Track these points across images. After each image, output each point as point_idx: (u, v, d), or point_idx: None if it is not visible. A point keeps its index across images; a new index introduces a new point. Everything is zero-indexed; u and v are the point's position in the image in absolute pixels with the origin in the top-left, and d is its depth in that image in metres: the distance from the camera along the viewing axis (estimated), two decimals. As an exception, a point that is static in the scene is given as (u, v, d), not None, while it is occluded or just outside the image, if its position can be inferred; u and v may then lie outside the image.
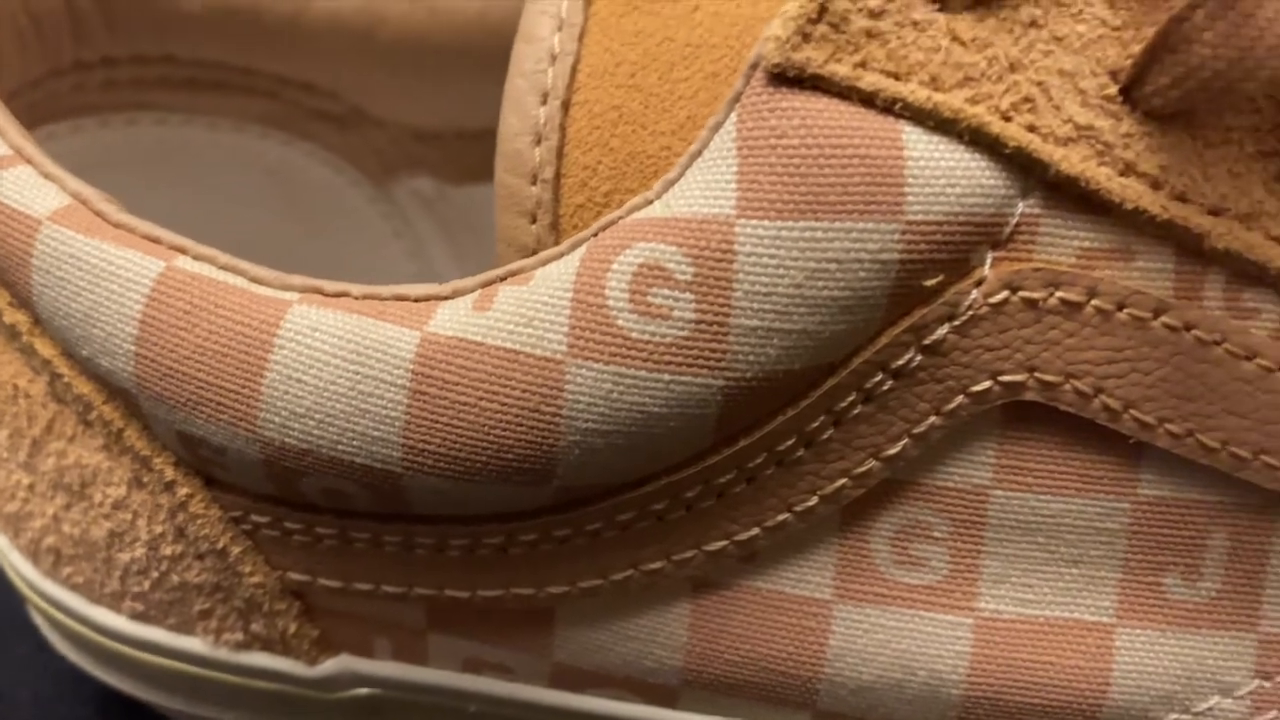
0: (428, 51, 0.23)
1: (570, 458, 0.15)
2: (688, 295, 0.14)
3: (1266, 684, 0.17)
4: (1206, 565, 0.16)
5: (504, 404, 0.15)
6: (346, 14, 0.22)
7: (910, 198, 0.14)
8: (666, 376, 0.15)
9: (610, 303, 0.15)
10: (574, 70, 0.17)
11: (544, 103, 0.17)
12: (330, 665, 0.18)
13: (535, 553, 0.16)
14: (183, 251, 0.16)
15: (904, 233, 0.14)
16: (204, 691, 0.19)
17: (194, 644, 0.18)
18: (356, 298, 0.16)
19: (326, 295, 0.16)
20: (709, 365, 0.15)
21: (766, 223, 0.14)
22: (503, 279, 0.15)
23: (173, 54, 0.22)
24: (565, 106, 0.17)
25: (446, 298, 0.15)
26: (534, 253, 0.16)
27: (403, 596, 0.17)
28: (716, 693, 0.17)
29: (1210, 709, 0.17)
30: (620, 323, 0.15)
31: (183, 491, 0.17)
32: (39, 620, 0.21)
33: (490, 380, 0.15)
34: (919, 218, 0.14)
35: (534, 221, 0.17)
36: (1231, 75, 0.14)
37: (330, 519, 0.17)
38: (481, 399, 0.15)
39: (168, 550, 0.17)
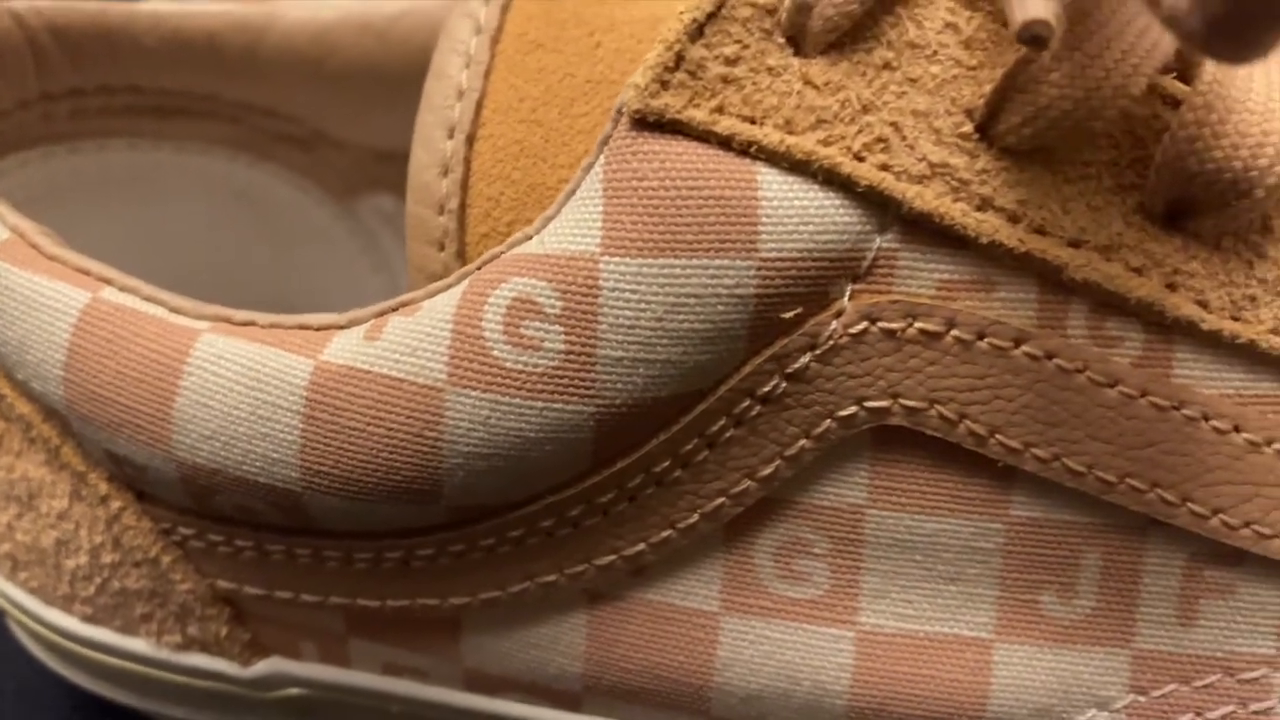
0: (378, 78, 0.24)
1: (455, 480, 0.16)
2: (557, 328, 0.15)
3: (1141, 698, 0.17)
4: (1081, 584, 0.17)
5: (390, 429, 0.16)
6: (299, 44, 0.23)
7: (764, 236, 0.15)
8: (540, 404, 0.15)
9: (486, 334, 0.15)
10: (479, 106, 0.18)
11: (450, 137, 0.18)
12: (262, 666, 0.19)
13: (435, 566, 0.17)
14: (109, 283, 0.17)
15: (759, 269, 0.15)
16: (151, 689, 0.20)
17: (138, 645, 0.20)
18: (262, 326, 0.17)
19: (235, 324, 0.17)
20: (579, 393, 0.15)
21: (629, 259, 0.15)
22: (394, 309, 0.16)
23: (137, 84, 0.23)
24: (470, 141, 0.18)
25: (343, 327, 0.16)
26: (442, 279, 0.17)
27: (320, 605, 0.18)
28: (617, 699, 0.18)
29: (1087, 722, 0.17)
30: (496, 353, 0.15)
31: (116, 505, 0.18)
32: (9, 619, 0.22)
33: (377, 407, 0.16)
34: (773, 255, 0.15)
35: (442, 249, 0.18)
36: (1079, 114, 0.15)
37: (247, 532, 0.18)
38: (369, 424, 0.16)
39: (107, 558, 0.19)
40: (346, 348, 0.16)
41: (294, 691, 0.20)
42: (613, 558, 0.17)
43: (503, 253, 0.16)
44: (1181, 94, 0.15)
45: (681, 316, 0.15)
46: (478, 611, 0.18)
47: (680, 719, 0.18)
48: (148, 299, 0.17)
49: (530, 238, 0.16)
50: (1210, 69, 0.15)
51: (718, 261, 0.15)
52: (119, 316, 0.17)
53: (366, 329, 0.16)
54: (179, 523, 0.18)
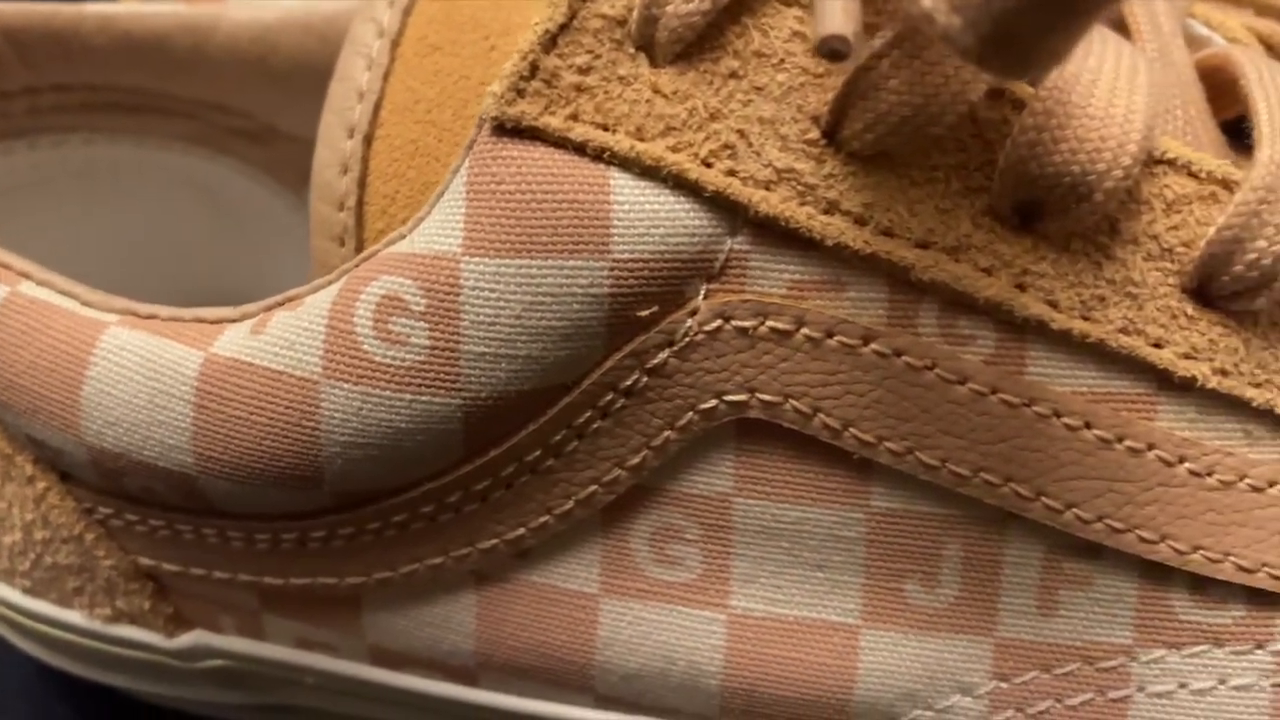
0: (320, 75, 0.24)
1: (335, 467, 0.17)
2: (422, 324, 0.16)
3: (1004, 685, 0.18)
4: (943, 573, 0.17)
5: (271, 419, 0.17)
6: (243, 44, 0.24)
7: (616, 238, 0.16)
8: (408, 396, 0.16)
9: (358, 329, 0.16)
10: (377, 107, 0.19)
11: (350, 137, 0.19)
12: (186, 639, 0.21)
13: (329, 548, 0.18)
14: (27, 277, 0.18)
15: (612, 269, 0.16)
16: (91, 658, 0.21)
17: (74, 617, 0.21)
18: (163, 319, 0.18)
19: (139, 317, 0.18)
20: (445, 387, 0.16)
21: (488, 260, 0.16)
22: (281, 304, 0.17)
23: (91, 82, 0.24)
24: (368, 140, 0.19)
25: (235, 320, 0.17)
26: (343, 274, 0.18)
27: (231, 582, 0.19)
28: (509, 675, 0.19)
29: (951, 707, 0.18)
30: (366, 347, 0.16)
31: (41, 485, 0.19)
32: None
33: (259, 397, 0.17)
34: (625, 256, 0.16)
35: (342, 245, 0.19)
36: (919, 120, 0.15)
37: (159, 513, 0.19)
38: (253, 414, 0.17)
39: (38, 535, 0.20)
40: (234, 340, 0.17)
41: (218, 663, 0.21)
42: (495, 541, 0.18)
43: (378, 251, 0.17)
44: (1027, 99, 0.16)
45: (539, 314, 0.16)
46: (374, 591, 0.19)
47: (568, 695, 0.19)
48: (62, 293, 0.18)
49: (404, 237, 0.16)
50: (1054, 75, 0.16)
51: (572, 262, 0.16)
52: (34, 309, 0.18)
53: (254, 323, 0.17)
54: (99, 503, 0.19)
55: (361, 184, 0.18)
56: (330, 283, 0.17)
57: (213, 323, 0.17)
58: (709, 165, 0.16)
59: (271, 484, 0.17)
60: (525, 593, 0.18)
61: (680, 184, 0.16)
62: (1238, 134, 0.18)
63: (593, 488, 0.17)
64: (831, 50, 0.12)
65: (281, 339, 0.17)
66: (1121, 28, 0.19)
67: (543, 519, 0.18)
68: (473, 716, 0.20)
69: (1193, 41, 0.20)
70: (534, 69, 0.16)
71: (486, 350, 0.16)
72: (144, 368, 0.17)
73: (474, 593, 0.18)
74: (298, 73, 0.25)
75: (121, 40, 0.23)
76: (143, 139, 0.25)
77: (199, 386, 0.17)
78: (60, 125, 0.24)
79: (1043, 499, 0.17)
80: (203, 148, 0.26)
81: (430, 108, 0.18)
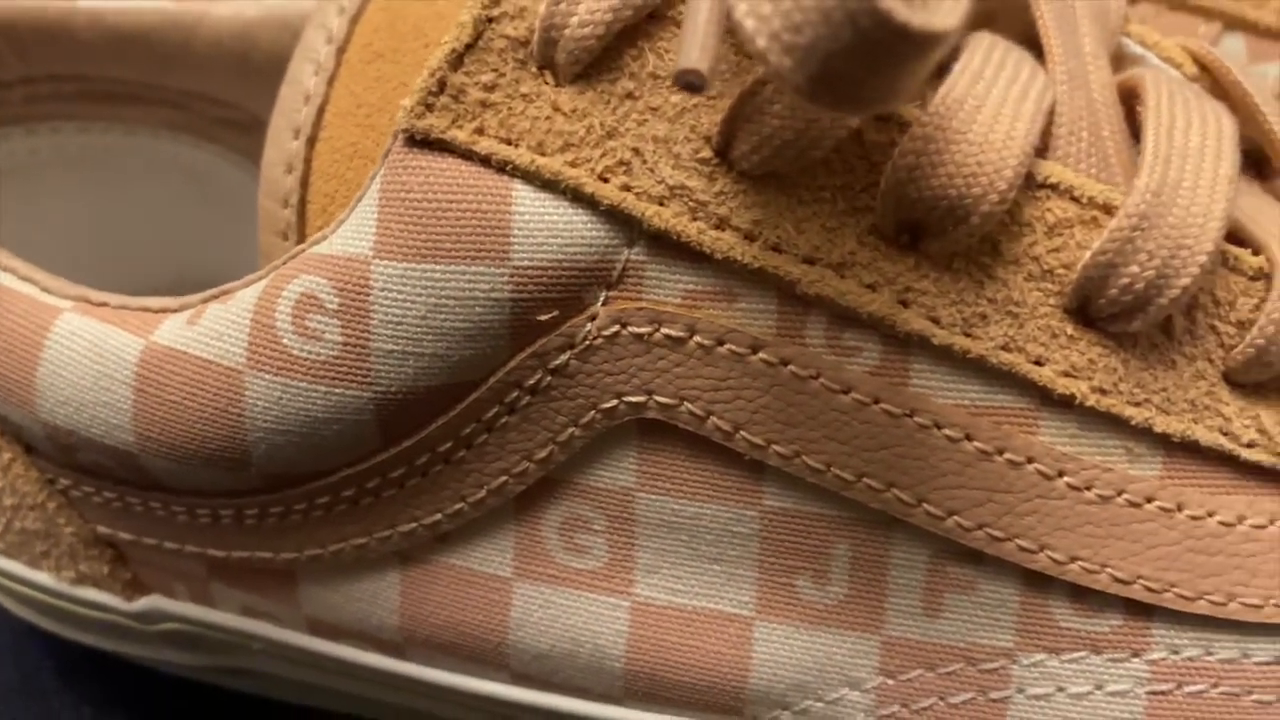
0: (298, 71, 0.26)
1: (259, 451, 0.18)
2: (335, 321, 0.17)
3: (890, 681, 0.18)
4: (833, 571, 0.18)
5: (201, 404, 0.18)
6: (226, 39, 0.25)
7: (516, 246, 0.17)
8: (323, 388, 0.17)
9: (278, 324, 0.17)
10: (321, 111, 0.20)
11: (296, 138, 0.20)
12: (143, 603, 0.22)
13: (263, 525, 0.19)
14: (-7, 263, 0.20)
15: (512, 275, 0.17)
16: (62, 617, 0.23)
17: (43, 578, 0.22)
18: (113, 307, 0.19)
19: (91, 304, 0.19)
20: (357, 381, 0.17)
21: (396, 263, 0.17)
22: (216, 297, 0.18)
23: (83, 73, 0.25)
24: (311, 142, 0.20)
25: (175, 311, 0.19)
26: (286, 268, 0.19)
27: (180, 552, 0.21)
28: (433, 650, 0.20)
29: (840, 699, 0.19)
30: (285, 341, 0.17)
31: (7, 456, 0.21)
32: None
33: (191, 384, 0.18)
34: (524, 263, 0.17)
35: (286, 239, 0.20)
36: (801, 143, 0.16)
37: (110, 485, 0.20)
38: (185, 399, 0.18)
39: (8, 501, 0.21)
40: (172, 330, 0.18)
41: (173, 626, 0.22)
42: (414, 525, 0.19)
43: (303, 250, 0.18)
44: (911, 123, 0.16)
45: (444, 315, 0.17)
46: (307, 566, 0.20)
47: (487, 672, 0.20)
48: (23, 278, 0.20)
49: (325, 239, 0.18)
50: (937, 101, 0.16)
51: (474, 268, 0.17)
52: (-3, 293, 0.19)
53: (191, 314, 0.18)
54: (59, 474, 0.20)
55: (304, 183, 0.20)
56: (260, 279, 0.18)
57: (156, 312, 0.19)
58: (605, 180, 0.16)
59: (204, 464, 0.18)
60: (444, 574, 0.19)
61: (578, 197, 0.17)
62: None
63: (503, 478, 0.18)
64: (687, 83, 0.13)
65: (212, 330, 0.18)
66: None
67: (458, 506, 0.19)
68: (402, 687, 0.21)
69: (1126, 61, 0.21)
70: (442, 85, 0.16)
71: (395, 348, 0.17)
72: (91, 352, 0.19)
73: (398, 572, 0.20)
74: (277, 68, 0.26)
75: (110, 34, 0.25)
76: (134, 127, 0.27)
77: (138, 372, 0.18)
78: (56, 113, 0.26)
79: (924, 505, 0.17)
80: (191, 136, 0.27)
81: (370, 112, 0.19)
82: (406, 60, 0.19)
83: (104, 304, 0.19)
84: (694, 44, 0.13)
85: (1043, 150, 0.18)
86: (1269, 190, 0.20)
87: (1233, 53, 0.28)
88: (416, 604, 0.20)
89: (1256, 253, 0.18)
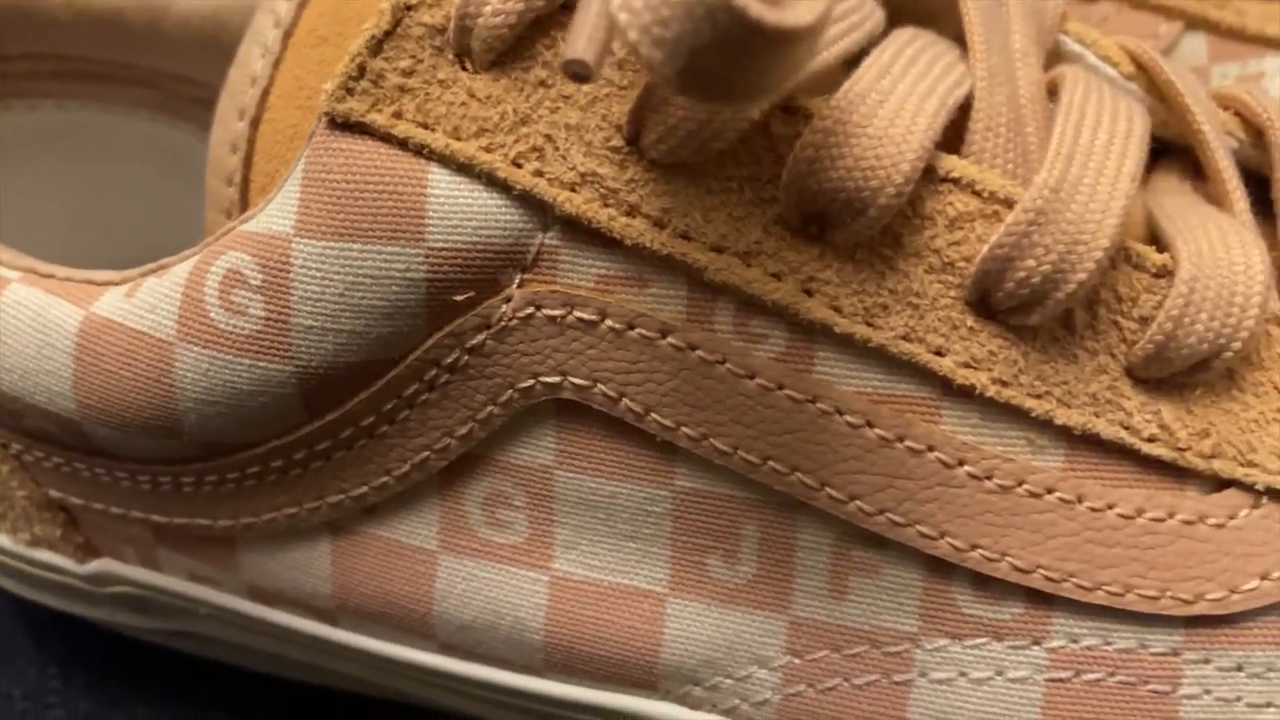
0: (267, 53, 0.26)
1: (190, 420, 0.19)
2: (259, 297, 0.18)
3: (796, 661, 0.19)
4: (743, 552, 0.19)
5: (134, 374, 0.19)
6: (195, 21, 0.26)
7: (431, 228, 0.17)
8: (247, 361, 0.18)
9: (206, 298, 0.18)
10: (266, 93, 0.20)
11: (241, 119, 0.20)
12: (95, 565, 0.23)
13: (200, 492, 0.20)
14: (-52, 233, 0.21)
15: (427, 256, 0.17)
16: (19, 577, 0.24)
17: (2, 540, 0.23)
18: (59, 279, 0.20)
19: (39, 275, 0.20)
20: (279, 355, 0.18)
21: (315, 242, 0.17)
22: (153, 272, 0.19)
23: (58, 52, 0.26)
24: (255, 123, 0.20)
25: (116, 284, 0.19)
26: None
27: (125, 517, 0.21)
28: (363, 619, 0.21)
29: (748, 677, 0.19)
30: (212, 315, 0.18)
31: (-38, 420, 0.22)
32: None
33: (125, 354, 0.19)
34: (440, 244, 0.17)
35: (230, 217, 0.20)
36: (704, 134, 0.16)
37: (58, 451, 0.21)
38: (120, 368, 0.19)
39: (-36, 464, 0.22)
40: (111, 302, 0.19)
41: (123, 589, 0.23)
42: (342, 497, 0.20)
43: (235, 227, 0.18)
44: (814, 116, 0.17)
45: (361, 293, 0.17)
46: (244, 533, 0.21)
47: (415, 641, 0.21)
48: (-23, 250, 0.20)
49: (253, 217, 0.18)
50: (840, 95, 0.17)
51: (390, 248, 0.17)
52: (-49, 263, 0.20)
53: (129, 287, 0.19)
54: (11, 439, 0.21)
55: (247, 163, 0.20)
56: (194, 254, 0.19)
57: (99, 284, 0.19)
58: (519, 165, 0.17)
59: (140, 432, 0.19)
60: (372, 545, 0.20)
61: (492, 181, 0.17)
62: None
63: (425, 454, 0.19)
64: (573, 73, 0.14)
65: (146, 303, 0.19)
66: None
67: (383, 480, 0.19)
68: (337, 653, 0.22)
69: (1064, 59, 0.21)
70: (362, 70, 0.17)
71: (314, 324, 0.18)
72: (35, 321, 0.19)
73: (329, 542, 0.20)
74: (246, 49, 0.26)
75: (83, 15, 0.25)
76: (109, 105, 0.27)
77: (78, 341, 0.19)
78: (33, 91, 0.27)
79: (827, 489, 0.18)
80: (166, 115, 0.28)
81: (311, 95, 0.20)
82: (348, 45, 0.20)
83: (50, 275, 0.20)
84: (581, 34, 0.14)
85: (956, 145, 0.18)
86: (1201, 190, 0.20)
87: (1193, 52, 0.28)
88: (347, 573, 0.20)
89: (1163, 250, 0.18)
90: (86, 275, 0.20)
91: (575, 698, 0.20)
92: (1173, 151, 0.21)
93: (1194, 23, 0.28)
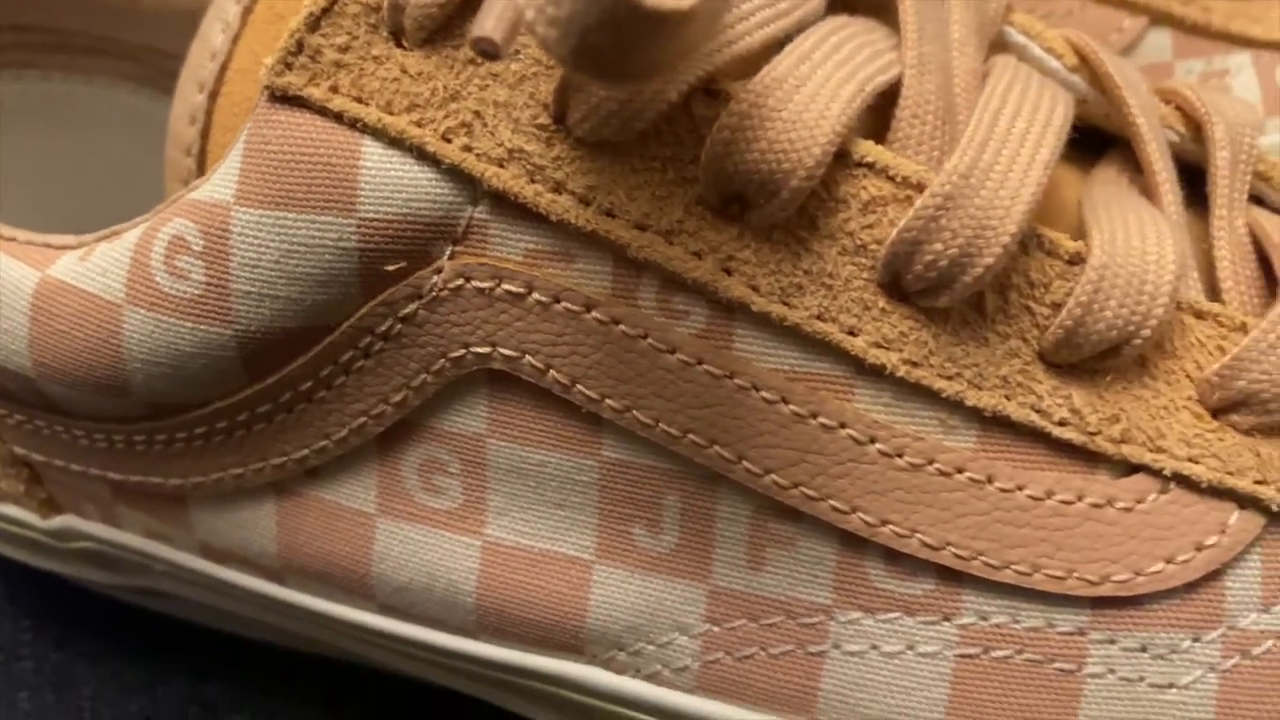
0: (244, 29, 0.27)
1: (138, 380, 0.19)
2: (200, 263, 0.18)
3: (715, 629, 0.19)
4: (665, 522, 0.19)
5: (86, 334, 0.19)
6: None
7: (363, 199, 0.18)
8: (190, 324, 0.19)
9: (153, 263, 0.19)
10: (224, 68, 0.21)
11: (200, 92, 0.21)
12: (58, 521, 0.24)
13: (151, 451, 0.21)
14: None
15: (359, 226, 0.18)
16: (-12, 530, 0.25)
17: (-29, 492, 0.24)
18: (20, 242, 0.20)
19: (1, 239, 0.21)
20: (219, 319, 0.19)
21: (253, 210, 0.18)
22: (106, 237, 0.20)
23: (43, 24, 0.27)
24: (213, 97, 0.21)
25: (73, 248, 0.20)
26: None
27: (85, 474, 0.22)
28: (307, 578, 0.22)
29: (670, 643, 0.20)
30: (158, 279, 0.19)
31: (-68, 376, 0.22)
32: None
33: (78, 315, 0.19)
34: (371, 215, 0.18)
35: (187, 186, 0.21)
36: (624, 114, 0.17)
37: (18, 408, 0.22)
38: (73, 329, 0.19)
39: (-66, 419, 0.23)
40: (66, 265, 0.20)
41: (85, 544, 0.24)
42: (284, 459, 0.20)
43: (184, 195, 0.19)
44: (733, 99, 0.17)
45: (295, 261, 0.18)
46: (194, 492, 0.21)
47: (356, 601, 0.21)
48: (-55, 212, 0.21)
49: (199, 186, 0.19)
50: (757, 79, 0.17)
51: (324, 217, 0.18)
52: (-81, 225, 0.21)
53: (84, 251, 0.20)
54: (-23, 396, 0.22)
55: (205, 135, 0.21)
56: (144, 221, 0.19)
57: (56, 248, 0.20)
58: (448, 140, 0.18)
59: (92, 390, 0.20)
60: (315, 507, 0.21)
61: (423, 155, 0.18)
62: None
63: (363, 419, 0.20)
64: (481, 50, 0.14)
65: (98, 267, 0.19)
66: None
67: (322, 443, 0.20)
68: (284, 611, 0.22)
69: (1008, 49, 0.22)
70: (300, 46, 0.18)
71: (252, 289, 0.18)
72: (-7, 282, 0.20)
73: (273, 503, 0.21)
74: (225, 26, 0.27)
75: (65, -12, 0.26)
76: (92, 77, 0.28)
77: (34, 302, 0.20)
78: (18, 62, 0.27)
79: (744, 463, 0.18)
80: (148, 88, 0.29)
81: (267, 70, 0.20)
82: (305, 23, 0.21)
83: (12, 239, 0.21)
84: (490, 13, 0.14)
85: (882, 132, 0.18)
86: (1138, 183, 0.21)
87: (1158, 48, 0.28)
88: (291, 534, 0.21)
89: (1079, 238, 0.18)
90: (45, 239, 0.20)
91: (506, 660, 0.21)
92: (1119, 144, 0.22)
93: (1159, 18, 0.28)
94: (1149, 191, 0.20)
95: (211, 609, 0.24)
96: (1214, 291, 0.20)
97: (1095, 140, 0.21)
